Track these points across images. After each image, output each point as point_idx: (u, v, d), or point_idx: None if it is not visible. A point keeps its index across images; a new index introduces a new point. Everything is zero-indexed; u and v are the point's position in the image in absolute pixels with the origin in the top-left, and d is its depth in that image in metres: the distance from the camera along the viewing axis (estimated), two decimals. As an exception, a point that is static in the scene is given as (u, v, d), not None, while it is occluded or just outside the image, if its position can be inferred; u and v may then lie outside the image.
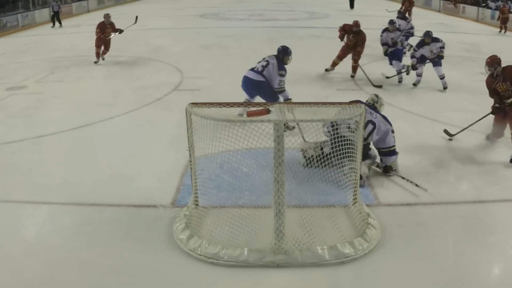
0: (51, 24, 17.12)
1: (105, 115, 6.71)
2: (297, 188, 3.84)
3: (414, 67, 8.01)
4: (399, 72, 8.51)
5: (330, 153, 3.91)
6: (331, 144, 3.97)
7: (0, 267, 3.43)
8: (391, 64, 8.83)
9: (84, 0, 22.44)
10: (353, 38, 8.77)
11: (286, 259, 3.37)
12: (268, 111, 3.45)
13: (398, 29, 9.15)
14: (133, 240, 3.70)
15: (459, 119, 6.42)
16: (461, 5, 20.66)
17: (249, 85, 5.84)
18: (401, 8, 17.10)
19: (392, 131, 4.66)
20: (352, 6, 22.10)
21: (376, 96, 4.99)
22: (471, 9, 19.84)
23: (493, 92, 5.40)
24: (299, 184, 3.86)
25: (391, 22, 9.09)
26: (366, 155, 4.66)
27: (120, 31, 10.17)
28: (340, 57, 9.04)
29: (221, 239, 3.51)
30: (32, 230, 3.96)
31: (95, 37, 10.02)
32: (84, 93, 8.01)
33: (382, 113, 4.81)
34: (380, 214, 3.98)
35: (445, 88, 8.03)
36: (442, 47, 7.89)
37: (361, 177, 4.45)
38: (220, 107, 3.63)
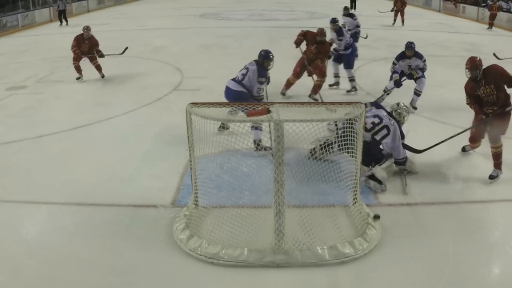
0: (59, 23, 17.33)
1: (105, 115, 6.71)
2: (297, 188, 3.84)
3: (397, 83, 6.85)
4: (387, 92, 7.13)
5: (337, 146, 3.94)
6: (340, 138, 3.97)
7: (0, 267, 3.43)
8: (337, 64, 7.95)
9: (84, 0, 22.43)
10: (315, 50, 7.31)
11: (286, 259, 3.37)
12: (268, 111, 3.45)
13: (339, 31, 7.83)
14: (133, 240, 3.70)
15: (459, 119, 6.42)
16: (461, 5, 20.66)
17: (230, 95, 5.43)
18: (393, 8, 16.68)
19: (404, 144, 4.72)
20: (353, 6, 21.38)
21: (397, 105, 4.99)
22: (471, 9, 19.83)
23: (474, 99, 4.75)
24: (299, 184, 3.86)
25: (333, 20, 7.98)
26: (379, 154, 4.68)
27: (101, 55, 8.72)
28: (297, 74, 7.45)
29: (221, 239, 3.51)
30: (32, 230, 3.97)
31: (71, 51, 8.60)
32: (84, 93, 8.01)
33: (405, 124, 4.86)
34: (380, 214, 3.98)
35: (414, 108, 6.86)
36: (422, 69, 6.81)
37: (381, 182, 4.45)
38: (220, 107, 3.63)
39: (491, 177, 4.70)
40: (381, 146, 4.75)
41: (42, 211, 4.23)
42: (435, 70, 8.18)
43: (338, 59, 7.96)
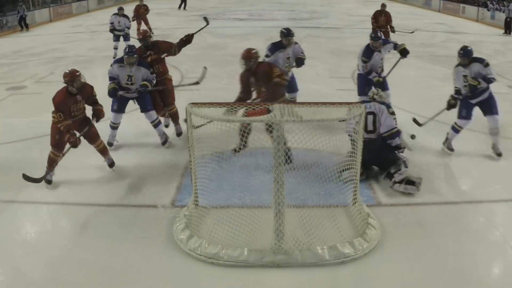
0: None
1: (105, 115, 6.68)
2: (297, 188, 3.83)
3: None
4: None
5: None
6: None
7: (0, 267, 3.43)
8: None
9: (84, 0, 22.42)
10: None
11: (286, 259, 3.37)
12: (268, 111, 3.46)
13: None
14: (133, 240, 3.70)
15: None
16: (461, 5, 20.67)
17: None
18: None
19: (391, 113, 4.66)
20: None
21: (377, 89, 5.05)
22: (471, 9, 19.83)
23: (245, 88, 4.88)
24: (299, 184, 3.86)
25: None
26: (392, 155, 4.60)
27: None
28: None
29: (221, 239, 3.51)
30: (32, 230, 3.97)
31: None
32: (84, 93, 7.99)
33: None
34: (380, 214, 3.98)
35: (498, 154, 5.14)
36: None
37: (416, 183, 4.35)
38: (220, 107, 3.64)
39: None
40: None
41: (42, 211, 4.23)
42: (436, 70, 8.18)
43: None
